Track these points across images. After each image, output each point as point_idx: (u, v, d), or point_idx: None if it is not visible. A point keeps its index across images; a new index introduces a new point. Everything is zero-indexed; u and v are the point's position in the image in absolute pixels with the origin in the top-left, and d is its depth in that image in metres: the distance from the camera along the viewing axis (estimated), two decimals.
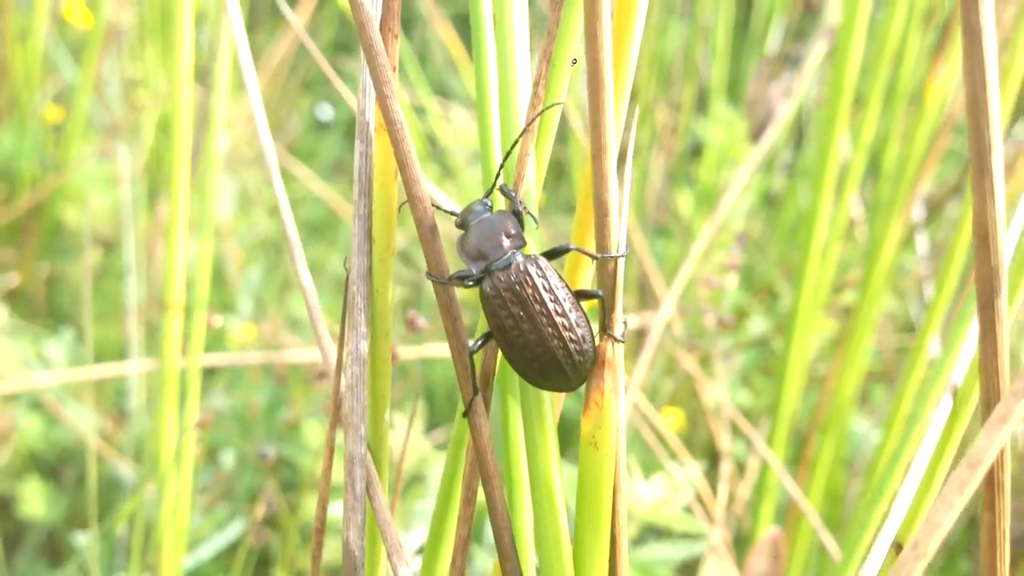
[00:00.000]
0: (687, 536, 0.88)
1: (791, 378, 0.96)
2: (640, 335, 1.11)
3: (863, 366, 1.02)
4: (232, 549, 1.09)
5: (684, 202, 1.33)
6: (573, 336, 0.36)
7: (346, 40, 1.88)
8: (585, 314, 0.36)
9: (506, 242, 0.36)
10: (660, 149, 1.55)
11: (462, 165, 1.31)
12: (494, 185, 0.36)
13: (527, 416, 0.36)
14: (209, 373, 1.20)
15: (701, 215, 1.27)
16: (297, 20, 0.55)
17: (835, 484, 1.10)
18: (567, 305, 0.36)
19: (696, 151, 1.59)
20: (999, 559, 0.31)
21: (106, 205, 1.33)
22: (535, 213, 0.36)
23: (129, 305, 1.07)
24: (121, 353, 1.22)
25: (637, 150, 1.48)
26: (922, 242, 1.15)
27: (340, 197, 1.42)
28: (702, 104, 1.60)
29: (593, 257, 0.35)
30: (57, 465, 1.18)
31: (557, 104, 0.35)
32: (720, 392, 1.05)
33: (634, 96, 1.58)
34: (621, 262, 0.35)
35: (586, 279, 0.38)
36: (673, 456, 0.96)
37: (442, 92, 1.68)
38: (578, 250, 0.36)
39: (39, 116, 1.35)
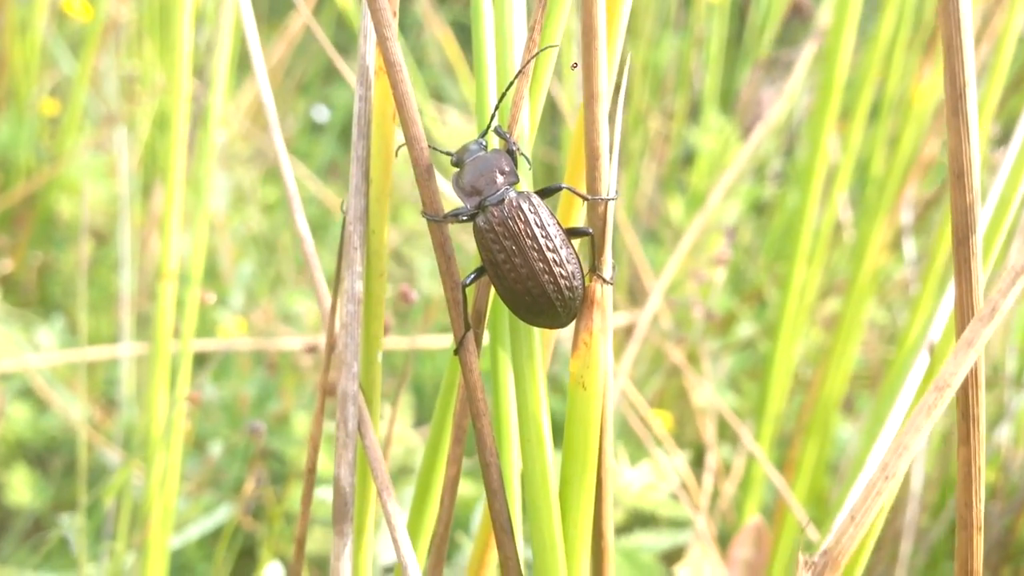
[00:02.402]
0: (672, 523, 0.89)
1: (777, 378, 0.97)
2: (629, 331, 1.12)
3: (849, 370, 1.03)
4: (216, 536, 1.09)
5: (675, 208, 1.34)
6: (563, 272, 0.37)
7: (344, 43, 1.89)
8: (576, 252, 0.37)
9: (500, 179, 0.37)
10: (652, 156, 1.57)
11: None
12: (489, 126, 0.38)
13: (516, 353, 0.37)
14: (199, 363, 1.20)
15: (692, 222, 1.28)
16: (305, 7, 0.56)
17: (819, 486, 1.10)
18: (558, 241, 0.37)
19: (688, 159, 1.61)
20: (975, 494, 0.32)
21: (100, 196, 1.34)
22: (528, 154, 0.37)
23: (123, 292, 1.08)
24: (113, 342, 1.22)
25: (629, 157, 1.49)
26: (909, 247, 1.17)
27: (335, 196, 1.43)
28: (695, 113, 1.61)
29: (583, 198, 0.36)
30: (44, 453, 1.18)
31: (552, 46, 0.36)
32: (708, 389, 1.06)
33: (628, 104, 1.59)
34: (611, 205, 0.36)
35: (577, 222, 0.39)
36: (660, 445, 0.97)
37: (438, 96, 1.70)
38: (569, 189, 0.37)
39: (36, 108, 1.36)
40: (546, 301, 0.36)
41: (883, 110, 1.06)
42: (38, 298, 1.34)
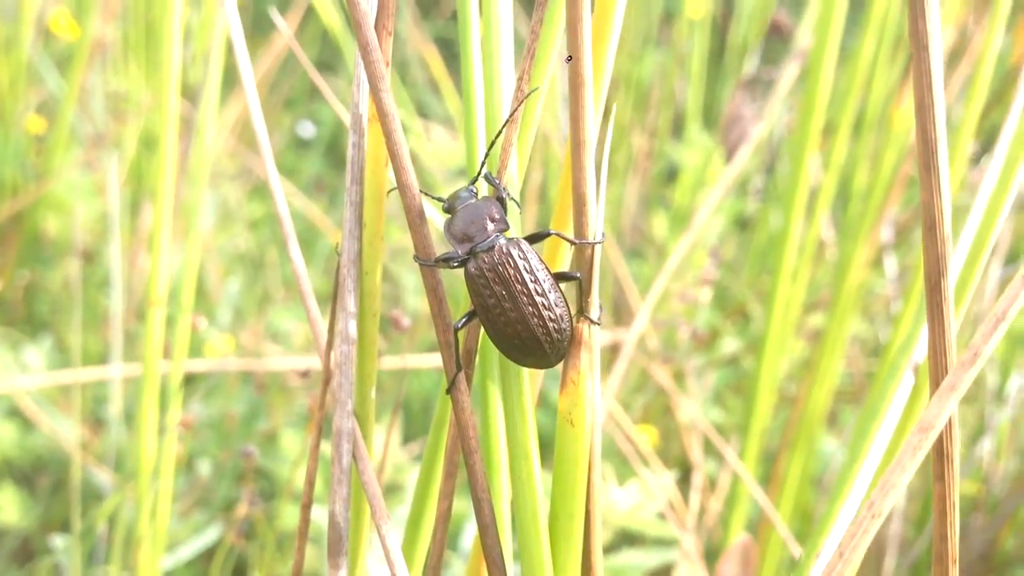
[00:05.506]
0: (660, 542, 0.90)
1: (762, 395, 0.99)
2: (614, 349, 1.13)
3: (832, 384, 1.05)
4: (207, 557, 1.09)
5: (659, 224, 1.36)
6: (552, 315, 0.38)
7: (328, 59, 1.90)
8: (563, 295, 0.39)
9: (490, 226, 0.38)
10: (635, 173, 1.58)
11: (441, 183, 1.33)
12: (479, 173, 0.39)
13: (506, 392, 0.38)
14: (187, 382, 1.21)
15: (675, 238, 1.30)
16: (287, 28, 0.57)
17: (804, 501, 1.12)
18: (547, 286, 0.38)
19: (671, 175, 1.62)
20: (950, 527, 0.33)
21: (88, 215, 1.34)
22: (517, 199, 0.39)
23: (113, 311, 1.08)
24: (100, 362, 1.23)
25: (613, 174, 1.50)
26: (890, 264, 1.18)
27: (321, 212, 1.44)
28: (677, 129, 1.63)
29: (571, 243, 0.37)
30: (31, 473, 1.18)
31: (536, 90, 0.37)
32: (693, 407, 1.07)
33: (607, 119, 1.60)
34: (597, 248, 0.37)
35: (563, 265, 0.40)
36: (647, 464, 0.98)
37: (422, 112, 1.71)
38: (558, 235, 0.38)
39: (22, 125, 1.36)
40: (535, 343, 0.38)
41: (864, 128, 1.08)
42: (25, 317, 1.34)
